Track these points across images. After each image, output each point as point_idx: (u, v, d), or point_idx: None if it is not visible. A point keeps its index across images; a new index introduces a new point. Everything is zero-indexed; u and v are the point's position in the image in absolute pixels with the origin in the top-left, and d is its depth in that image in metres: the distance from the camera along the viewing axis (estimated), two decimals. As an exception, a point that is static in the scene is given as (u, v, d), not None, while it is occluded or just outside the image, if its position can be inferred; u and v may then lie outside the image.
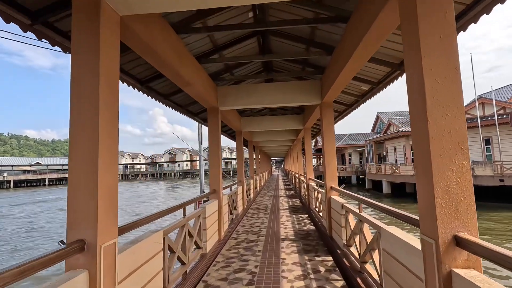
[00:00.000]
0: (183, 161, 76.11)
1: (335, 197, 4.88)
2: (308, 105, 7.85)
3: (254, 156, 18.39)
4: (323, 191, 5.68)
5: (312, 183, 8.36)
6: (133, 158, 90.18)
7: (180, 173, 71.55)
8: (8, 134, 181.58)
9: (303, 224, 6.60)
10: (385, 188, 22.25)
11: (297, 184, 11.33)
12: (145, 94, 4.80)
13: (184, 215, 3.57)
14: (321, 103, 5.27)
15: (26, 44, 2.90)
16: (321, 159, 34.82)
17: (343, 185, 5.45)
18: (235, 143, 15.63)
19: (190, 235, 3.78)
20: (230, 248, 4.86)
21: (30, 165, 64.31)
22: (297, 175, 12.42)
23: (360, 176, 31.71)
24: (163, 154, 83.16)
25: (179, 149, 79.28)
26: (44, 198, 31.12)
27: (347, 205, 4.10)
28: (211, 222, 4.68)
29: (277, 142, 16.65)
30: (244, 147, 14.40)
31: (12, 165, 60.97)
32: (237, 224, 6.72)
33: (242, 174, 9.10)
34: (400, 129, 22.60)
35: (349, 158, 35.48)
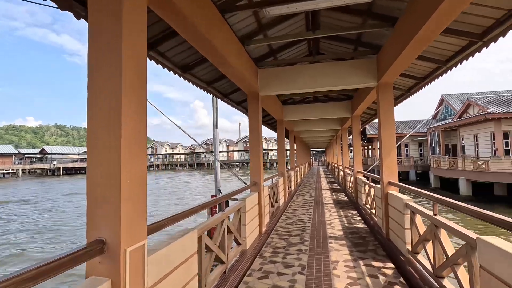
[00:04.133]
0: (220, 152, 77.55)
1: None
2: (359, 90, 7.06)
3: (295, 147, 17.77)
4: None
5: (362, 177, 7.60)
6: (172, 148, 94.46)
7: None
8: (70, 126, 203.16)
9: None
10: (464, 188, 17.23)
11: (348, 184, 10.48)
12: (190, 82, 4.60)
13: (223, 209, 3.24)
14: (378, 84, 4.54)
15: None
16: (369, 150, 31.73)
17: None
18: (271, 132, 15.20)
19: (230, 231, 3.46)
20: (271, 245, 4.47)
21: (78, 154, 70.25)
22: (348, 171, 11.43)
23: (418, 172, 26.90)
24: (201, 144, 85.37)
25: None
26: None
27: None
28: (251, 217, 4.33)
29: (319, 132, 15.80)
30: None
31: (62, 154, 67.22)
32: (278, 218, 6.32)
33: (284, 166, 8.64)
34: (489, 111, 16.92)
35: (406, 150, 29.97)
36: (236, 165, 72.12)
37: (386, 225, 4.32)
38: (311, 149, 48.17)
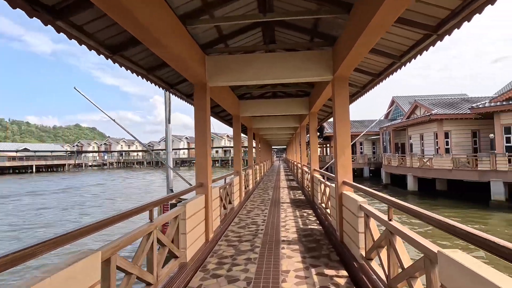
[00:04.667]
0: (179, 149, 74.24)
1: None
2: (316, 85, 6.85)
3: (254, 144, 17.47)
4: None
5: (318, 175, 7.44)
6: (129, 145, 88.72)
7: (177, 161, 70.11)
8: (9, 120, 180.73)
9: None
10: (411, 184, 18.45)
11: (305, 182, 10.47)
12: (122, 67, 3.88)
13: (151, 219, 2.67)
14: (334, 78, 4.27)
15: None
16: (328, 148, 32.88)
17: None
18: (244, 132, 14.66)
19: (162, 244, 2.89)
20: (219, 253, 3.98)
21: (17, 151, 62.02)
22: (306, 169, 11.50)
23: (371, 169, 28.60)
24: (160, 141, 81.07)
25: (176, 137, 77.58)
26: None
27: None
28: (194, 223, 3.80)
29: (279, 130, 15.67)
30: (243, 135, 13.43)
31: (-3, 151, 58.74)
32: (231, 220, 5.85)
33: (240, 164, 8.19)
34: (433, 112, 18.26)
35: (361, 148, 31.45)
36: (198, 163, 70.20)
37: (340, 227, 4.08)
38: (273, 147, 48.60)
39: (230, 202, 6.77)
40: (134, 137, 6.72)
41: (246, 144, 49.04)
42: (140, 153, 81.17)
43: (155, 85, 4.96)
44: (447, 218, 1.71)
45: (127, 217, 2.24)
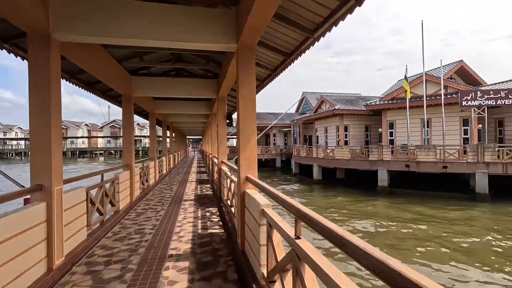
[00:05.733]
0: (77, 137, 63.06)
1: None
2: (223, 63, 5.93)
3: (162, 134, 15.65)
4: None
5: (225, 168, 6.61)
6: (5, 132, 70.99)
7: (75, 151, 60.04)
8: None
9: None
10: (316, 173, 19.78)
11: (215, 175, 9.61)
12: None
13: None
14: (238, 47, 3.39)
15: None
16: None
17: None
18: (147, 118, 12.57)
19: None
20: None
21: None
22: (214, 158, 10.65)
23: (283, 159, 30.02)
24: None
25: (73, 123, 66.29)
26: None
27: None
28: (20, 248, 2.37)
29: (191, 117, 14.28)
30: (143, 120, 11.53)
31: None
32: (109, 229, 4.44)
33: (132, 156, 6.66)
34: (336, 107, 20.25)
35: (274, 139, 32.98)
36: (101, 154, 61.43)
37: (242, 234, 3.31)
38: (188, 137, 46.25)
39: (113, 205, 5.29)
40: None
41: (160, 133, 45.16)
42: (22, 142, 65.54)
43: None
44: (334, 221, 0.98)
45: None
